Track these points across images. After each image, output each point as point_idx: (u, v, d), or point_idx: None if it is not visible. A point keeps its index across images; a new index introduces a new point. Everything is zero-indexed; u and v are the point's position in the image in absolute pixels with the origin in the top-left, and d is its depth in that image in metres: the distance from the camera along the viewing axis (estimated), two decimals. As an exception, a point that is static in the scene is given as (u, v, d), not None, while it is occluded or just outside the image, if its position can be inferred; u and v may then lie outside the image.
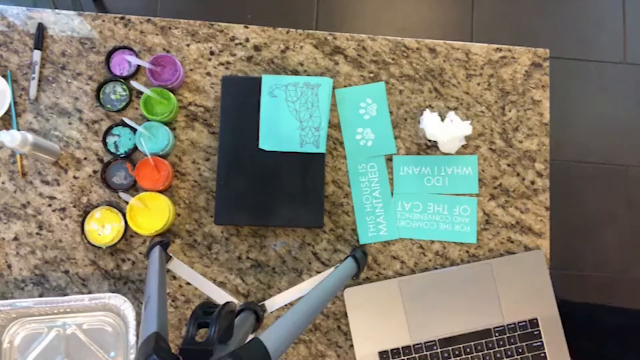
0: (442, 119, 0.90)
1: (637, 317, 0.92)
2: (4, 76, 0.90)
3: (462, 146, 0.92)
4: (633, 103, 1.81)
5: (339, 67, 0.93)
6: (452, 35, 1.81)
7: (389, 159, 0.91)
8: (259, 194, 0.86)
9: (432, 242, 0.90)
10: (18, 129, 0.89)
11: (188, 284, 0.87)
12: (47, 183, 0.88)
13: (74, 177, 0.89)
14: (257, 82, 0.88)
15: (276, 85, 0.88)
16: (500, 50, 0.95)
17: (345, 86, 0.93)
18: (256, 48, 0.93)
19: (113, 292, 0.86)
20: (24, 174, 0.89)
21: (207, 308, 0.53)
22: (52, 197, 0.88)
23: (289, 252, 0.89)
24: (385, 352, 0.85)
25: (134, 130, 0.88)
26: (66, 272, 0.87)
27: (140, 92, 0.87)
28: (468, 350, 0.86)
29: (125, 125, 0.89)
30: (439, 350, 0.85)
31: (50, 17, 0.92)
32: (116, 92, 0.90)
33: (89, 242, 0.86)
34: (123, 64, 0.91)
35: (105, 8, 1.77)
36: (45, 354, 0.84)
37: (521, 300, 0.87)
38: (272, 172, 0.86)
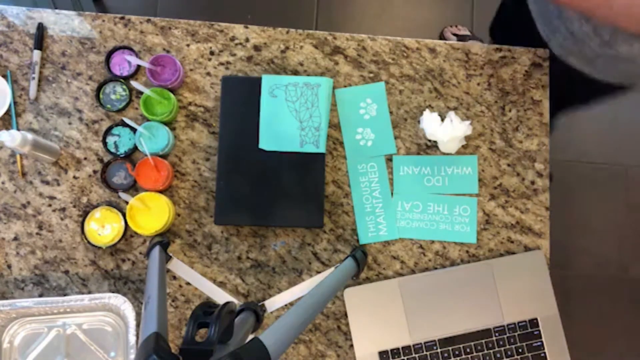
0: (442, 119, 0.90)
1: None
2: (4, 76, 0.90)
3: (462, 146, 0.92)
4: (633, 103, 1.81)
5: (339, 67, 0.93)
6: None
7: (389, 159, 0.91)
8: (259, 194, 0.86)
9: (432, 242, 0.90)
10: (18, 129, 0.89)
11: (188, 284, 0.87)
12: (47, 183, 0.88)
13: (74, 177, 0.89)
14: (257, 82, 0.88)
15: (276, 85, 0.88)
16: (500, 50, 0.95)
17: (345, 86, 0.93)
18: (256, 48, 0.93)
19: (113, 292, 0.86)
20: (24, 174, 0.89)
21: (207, 308, 0.53)
22: (52, 197, 0.88)
23: (289, 252, 0.89)
24: (385, 352, 0.85)
25: (134, 130, 0.88)
26: (66, 272, 0.87)
27: (140, 92, 0.87)
28: (468, 350, 0.86)
29: (125, 125, 0.89)
30: (439, 350, 0.85)
31: (50, 17, 0.92)
32: (116, 92, 0.90)
33: (89, 242, 0.86)
34: (123, 64, 0.91)
35: (105, 8, 1.77)
36: (45, 354, 0.84)
37: (521, 300, 0.87)
38: (272, 172, 0.86)
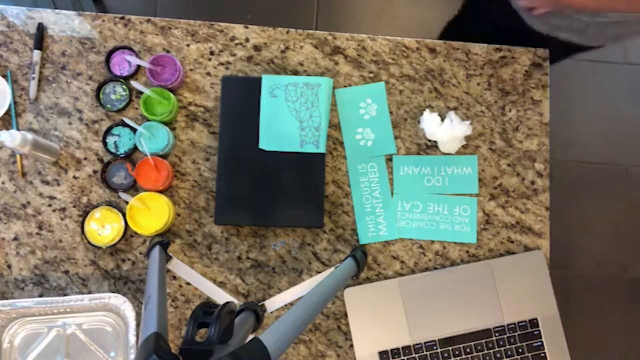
0: (442, 119, 0.90)
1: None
2: (4, 76, 0.90)
3: (462, 146, 0.92)
4: (633, 103, 1.81)
5: (339, 67, 0.93)
6: (452, 35, 1.81)
7: (389, 159, 0.91)
8: (259, 194, 0.86)
9: (432, 242, 0.90)
10: (18, 129, 0.89)
11: (188, 284, 0.87)
12: (47, 183, 0.88)
13: (74, 177, 0.89)
14: (257, 82, 0.88)
15: (276, 85, 0.88)
16: (500, 50, 0.95)
17: (345, 86, 0.93)
18: (256, 48, 0.93)
19: (113, 292, 0.86)
20: (24, 174, 0.89)
21: (207, 308, 0.53)
22: (52, 197, 0.88)
23: (289, 252, 0.89)
24: (385, 352, 0.85)
25: (134, 130, 0.88)
26: (66, 272, 0.87)
27: (140, 92, 0.87)
28: (468, 350, 0.86)
29: (125, 125, 0.89)
30: (439, 350, 0.85)
31: (50, 17, 0.92)
32: (116, 92, 0.90)
33: (89, 242, 0.86)
34: (123, 64, 0.91)
35: (105, 8, 1.77)
36: (45, 354, 0.84)
37: (521, 300, 0.87)
38: (272, 172, 0.86)
